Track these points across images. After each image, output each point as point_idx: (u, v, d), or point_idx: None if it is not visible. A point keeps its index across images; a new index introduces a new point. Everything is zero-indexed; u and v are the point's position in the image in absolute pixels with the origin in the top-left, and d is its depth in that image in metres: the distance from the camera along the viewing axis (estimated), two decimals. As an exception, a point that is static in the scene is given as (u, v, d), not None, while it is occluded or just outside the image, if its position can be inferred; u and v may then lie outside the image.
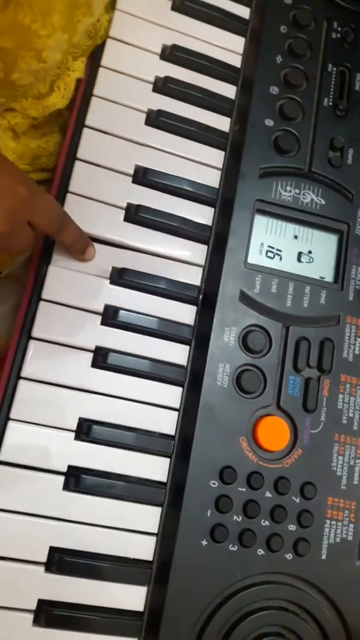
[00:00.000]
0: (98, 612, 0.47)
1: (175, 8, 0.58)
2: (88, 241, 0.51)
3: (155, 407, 0.51)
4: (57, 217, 0.47)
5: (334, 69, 0.60)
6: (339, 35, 0.61)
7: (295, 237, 0.57)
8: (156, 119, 0.55)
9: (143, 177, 0.54)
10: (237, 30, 0.60)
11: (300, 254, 0.56)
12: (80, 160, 0.53)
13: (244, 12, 0.60)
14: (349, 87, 0.60)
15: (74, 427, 0.49)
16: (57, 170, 0.54)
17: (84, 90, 0.56)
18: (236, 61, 0.59)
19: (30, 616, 0.46)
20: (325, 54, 0.60)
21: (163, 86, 0.56)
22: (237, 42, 0.60)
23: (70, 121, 0.55)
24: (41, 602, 0.46)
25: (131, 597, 0.48)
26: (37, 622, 0.46)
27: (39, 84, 0.52)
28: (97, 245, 0.52)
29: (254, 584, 0.49)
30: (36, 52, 0.47)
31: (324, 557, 0.51)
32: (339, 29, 0.61)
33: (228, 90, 0.58)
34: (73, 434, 0.49)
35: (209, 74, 0.58)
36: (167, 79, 0.56)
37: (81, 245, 0.50)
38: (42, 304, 0.50)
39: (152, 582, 0.48)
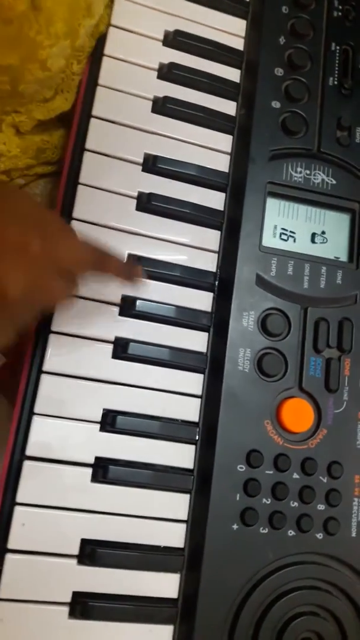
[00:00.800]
0: (132, 601, 0.47)
1: (175, -7, 0.58)
2: (130, 265, 0.49)
3: (178, 395, 0.51)
4: (89, 256, 0.44)
5: (337, 47, 0.60)
6: (340, 14, 0.60)
7: (308, 218, 0.56)
8: (162, 106, 0.55)
9: (153, 165, 0.54)
10: (238, 12, 0.60)
11: (314, 234, 0.56)
12: (89, 150, 0.53)
13: (243, -7, 0.60)
14: (352, 65, 0.60)
15: (99, 419, 0.49)
16: (66, 163, 0.53)
17: (88, 80, 0.55)
18: (239, 44, 0.59)
19: (66, 609, 0.46)
20: (328, 32, 0.60)
21: (168, 72, 0.56)
22: (239, 25, 0.59)
23: (76, 112, 0.55)
24: (76, 595, 0.46)
25: (165, 584, 0.48)
26: (72, 614, 0.46)
27: (44, 90, 0.52)
28: (110, 234, 0.52)
29: (286, 565, 0.49)
30: (41, 63, 0.47)
31: (354, 534, 0.51)
32: (340, 7, 0.61)
33: (233, 74, 0.58)
34: (98, 426, 0.49)
35: (213, 58, 0.58)
36: (172, 65, 0.56)
37: (126, 273, 0.48)
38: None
39: (185, 568, 0.48)
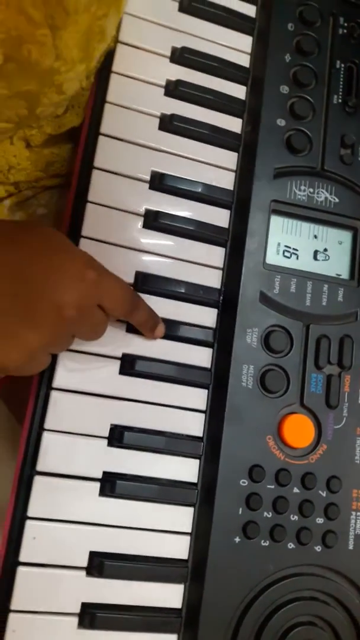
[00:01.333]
0: (139, 611, 0.49)
1: (182, 9, 0.58)
2: (157, 319, 0.51)
3: (183, 410, 0.52)
4: (127, 298, 0.47)
5: (342, 65, 0.60)
6: (345, 31, 0.61)
7: (312, 236, 0.57)
8: (170, 124, 0.56)
9: (160, 182, 0.55)
10: (245, 29, 0.60)
11: (316, 252, 0.57)
12: (97, 168, 0.53)
13: (250, 10, 0.60)
14: (357, 83, 0.60)
15: (107, 434, 0.50)
16: (73, 180, 0.54)
17: (95, 97, 0.55)
18: (245, 61, 0.59)
19: (75, 619, 0.47)
20: (333, 50, 0.60)
21: (175, 90, 0.56)
22: (245, 42, 0.60)
23: (83, 129, 0.55)
24: (84, 605, 0.48)
25: (169, 595, 0.50)
26: (81, 624, 0.47)
27: (57, 109, 0.52)
28: (118, 252, 0.53)
29: (286, 576, 0.51)
30: (57, 87, 0.47)
31: (351, 547, 0.53)
32: (345, 24, 0.61)
33: (238, 91, 0.59)
34: (106, 441, 0.50)
35: (219, 75, 0.58)
36: (179, 83, 0.56)
37: (152, 324, 0.51)
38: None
39: (189, 579, 0.50)
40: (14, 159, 0.56)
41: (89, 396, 0.50)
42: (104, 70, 0.56)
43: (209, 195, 0.56)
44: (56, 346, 0.46)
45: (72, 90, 0.49)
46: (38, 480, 0.48)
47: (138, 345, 0.52)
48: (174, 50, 0.57)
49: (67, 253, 0.43)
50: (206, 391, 0.53)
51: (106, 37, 0.50)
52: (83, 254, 0.45)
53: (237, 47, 0.59)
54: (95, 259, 0.45)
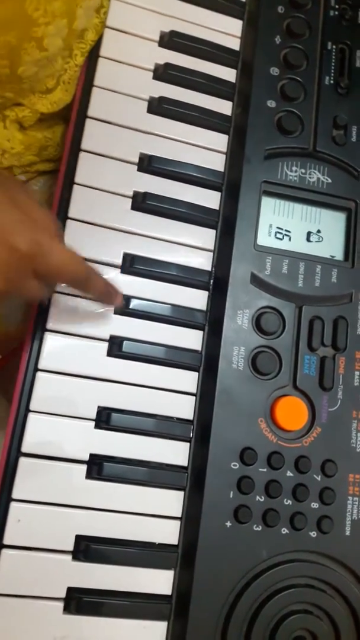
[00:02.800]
0: (126, 597, 0.48)
1: (171, -6, 0.58)
2: (114, 289, 0.49)
3: (172, 393, 0.51)
4: (73, 272, 0.44)
5: (334, 46, 0.60)
6: (336, 13, 0.61)
7: (304, 217, 0.57)
8: (158, 106, 0.55)
9: (148, 164, 0.54)
10: (234, 13, 0.60)
11: (309, 233, 0.56)
12: (84, 151, 0.53)
13: (239, -6, 0.60)
14: (349, 64, 0.60)
15: (94, 416, 0.49)
16: (62, 162, 0.54)
17: (84, 81, 0.56)
18: (235, 44, 0.59)
19: (61, 604, 0.46)
20: (324, 32, 0.60)
21: (163, 73, 0.56)
22: (234, 25, 0.60)
23: (72, 113, 0.55)
24: (70, 590, 0.46)
25: (158, 581, 0.48)
26: (67, 609, 0.46)
27: (46, 78, 0.52)
28: (106, 234, 0.52)
29: (279, 562, 0.49)
30: (37, 42, 0.47)
31: (347, 533, 0.51)
32: (337, 6, 0.61)
33: (228, 74, 0.59)
34: (93, 423, 0.49)
35: (209, 58, 0.58)
36: (167, 66, 0.56)
37: (107, 296, 0.49)
38: (54, 296, 0.50)
39: (179, 565, 0.49)
40: (7, 143, 0.56)
41: (75, 378, 0.49)
42: (92, 55, 0.56)
43: (198, 177, 0.55)
44: None
45: (54, 47, 0.49)
46: (23, 462, 0.47)
47: (126, 327, 0.51)
48: (163, 35, 0.57)
49: (9, 209, 0.39)
50: (196, 374, 0.52)
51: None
52: (17, 214, 0.40)
53: (227, 31, 0.59)
54: (41, 217, 0.42)
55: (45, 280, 0.43)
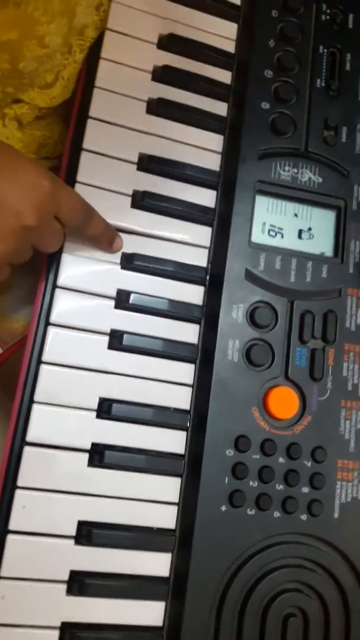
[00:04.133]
0: (127, 579, 0.50)
1: (169, -2, 0.60)
2: (114, 232, 0.53)
3: (170, 384, 0.54)
4: (81, 209, 0.49)
5: (325, 50, 0.62)
6: (328, 17, 0.63)
7: (295, 215, 0.59)
8: (157, 107, 0.57)
9: (147, 164, 0.56)
10: (230, 16, 0.61)
11: (300, 231, 0.59)
12: (86, 150, 0.55)
13: (235, -2, 0.62)
14: (339, 67, 0.62)
15: (95, 407, 0.51)
16: (64, 162, 0.56)
17: (85, 82, 0.57)
18: (230, 47, 0.61)
19: (64, 587, 0.48)
20: (316, 36, 0.62)
21: (162, 75, 0.58)
22: (230, 28, 0.61)
23: (73, 113, 0.57)
24: (73, 573, 0.48)
25: (157, 563, 0.51)
26: (70, 591, 0.48)
27: (45, 73, 0.53)
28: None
29: (272, 544, 0.52)
30: (38, 39, 0.49)
31: (336, 516, 0.53)
32: (328, 10, 0.63)
33: (224, 76, 0.60)
34: (94, 413, 0.51)
35: (205, 60, 0.60)
36: (166, 68, 0.58)
37: (108, 237, 0.52)
38: (57, 290, 0.52)
39: (176, 548, 0.51)
40: (6, 141, 0.57)
41: (78, 370, 0.51)
42: (92, 57, 0.57)
43: (195, 176, 0.57)
44: (16, 256, 0.47)
45: (55, 44, 0.50)
46: (28, 451, 0.49)
47: (126, 321, 0.53)
48: (161, 38, 0.59)
49: (20, 164, 0.44)
50: (193, 366, 0.54)
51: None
52: (36, 165, 0.45)
53: (222, 34, 0.61)
54: (47, 170, 0.46)
55: (61, 222, 0.48)
